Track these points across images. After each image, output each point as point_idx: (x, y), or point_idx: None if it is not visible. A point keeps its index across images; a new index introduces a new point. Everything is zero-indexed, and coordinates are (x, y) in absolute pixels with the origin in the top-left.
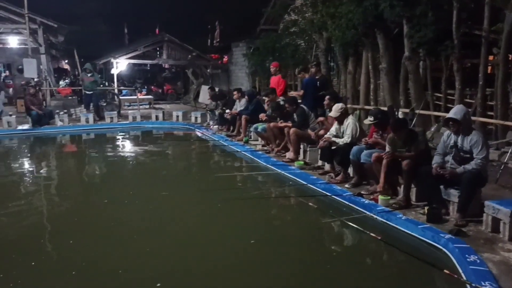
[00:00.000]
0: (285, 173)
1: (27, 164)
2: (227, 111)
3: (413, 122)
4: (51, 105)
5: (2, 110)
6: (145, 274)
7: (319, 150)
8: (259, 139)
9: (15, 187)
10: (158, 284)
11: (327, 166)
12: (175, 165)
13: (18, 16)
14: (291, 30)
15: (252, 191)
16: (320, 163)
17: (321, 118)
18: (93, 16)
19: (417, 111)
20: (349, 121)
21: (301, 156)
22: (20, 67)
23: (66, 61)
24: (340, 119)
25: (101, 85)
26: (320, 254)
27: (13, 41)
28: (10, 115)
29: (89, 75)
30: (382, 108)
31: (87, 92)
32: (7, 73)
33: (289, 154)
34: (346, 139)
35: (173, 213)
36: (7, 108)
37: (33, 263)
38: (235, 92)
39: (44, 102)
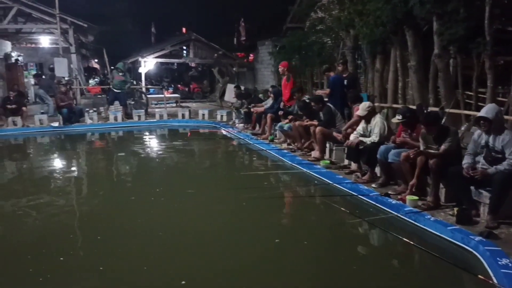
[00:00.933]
0: (311, 172)
1: (57, 161)
2: (252, 108)
3: (443, 121)
4: (81, 103)
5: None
6: (170, 271)
7: (346, 149)
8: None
9: (45, 184)
10: (183, 282)
11: (353, 166)
12: (200, 163)
13: (50, 16)
14: (317, 28)
15: (277, 190)
16: (346, 162)
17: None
18: (122, 16)
19: (447, 110)
20: (377, 120)
21: (327, 155)
22: (51, 66)
23: (96, 60)
24: (368, 118)
25: (130, 85)
26: (346, 254)
27: (44, 41)
28: (42, 113)
29: (120, 74)
30: (411, 106)
31: (115, 90)
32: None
33: (315, 153)
34: (374, 138)
35: (198, 211)
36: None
37: (61, 258)
38: (270, 89)
39: (74, 100)
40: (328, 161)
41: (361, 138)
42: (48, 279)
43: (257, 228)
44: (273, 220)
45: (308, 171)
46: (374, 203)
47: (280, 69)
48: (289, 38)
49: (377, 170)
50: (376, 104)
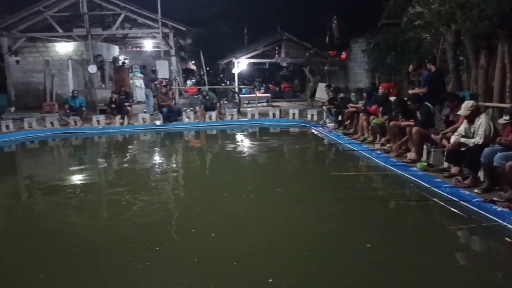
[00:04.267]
0: (406, 175)
1: (157, 157)
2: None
3: None
4: (179, 103)
5: (150, 104)
6: (258, 268)
7: (445, 151)
8: (378, 137)
9: (146, 177)
10: (270, 280)
11: (453, 169)
12: (290, 162)
13: (153, 21)
14: (415, 23)
15: (369, 192)
16: (445, 165)
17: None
18: (217, 19)
19: None
20: (482, 120)
21: (424, 157)
22: (153, 68)
23: (193, 62)
24: (471, 118)
25: (213, 100)
26: (443, 263)
27: (148, 45)
28: (145, 112)
29: (207, 98)
30: None
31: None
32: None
33: (411, 155)
34: (478, 139)
35: (287, 210)
36: (141, 106)
37: (157, 248)
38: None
39: (173, 100)
40: (426, 163)
41: (463, 140)
42: (146, 267)
43: (347, 231)
44: (364, 223)
45: (403, 173)
46: (476, 209)
47: (381, 91)
48: (384, 35)
49: (480, 174)
50: (480, 103)
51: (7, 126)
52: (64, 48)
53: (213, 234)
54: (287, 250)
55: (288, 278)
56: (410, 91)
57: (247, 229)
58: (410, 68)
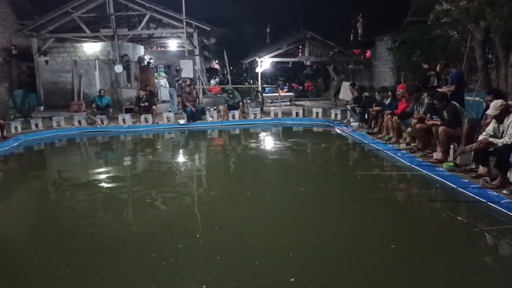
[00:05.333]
0: (432, 175)
1: (181, 156)
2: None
3: None
4: (203, 102)
5: (174, 103)
6: (280, 268)
7: (473, 152)
8: (402, 136)
9: (170, 176)
10: (292, 279)
11: (481, 169)
12: (313, 162)
13: (177, 21)
14: (442, 20)
15: (393, 192)
16: (473, 165)
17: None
18: (240, 18)
19: None
20: (511, 120)
21: (450, 157)
22: (177, 67)
23: (217, 61)
24: (500, 118)
25: (236, 99)
26: (471, 265)
27: (172, 45)
28: (169, 111)
29: (230, 96)
30: None
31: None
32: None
33: (437, 155)
34: (507, 139)
35: (309, 210)
36: (166, 105)
37: (180, 246)
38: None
39: (197, 99)
40: (452, 164)
41: (491, 139)
42: (169, 264)
43: (371, 231)
44: (389, 224)
45: (428, 173)
46: (505, 211)
47: (399, 92)
48: (410, 33)
49: (509, 174)
50: (509, 102)
51: (36, 125)
52: (91, 48)
53: (235, 233)
54: (309, 250)
55: (311, 278)
56: (444, 89)
57: (269, 228)
58: (438, 68)
